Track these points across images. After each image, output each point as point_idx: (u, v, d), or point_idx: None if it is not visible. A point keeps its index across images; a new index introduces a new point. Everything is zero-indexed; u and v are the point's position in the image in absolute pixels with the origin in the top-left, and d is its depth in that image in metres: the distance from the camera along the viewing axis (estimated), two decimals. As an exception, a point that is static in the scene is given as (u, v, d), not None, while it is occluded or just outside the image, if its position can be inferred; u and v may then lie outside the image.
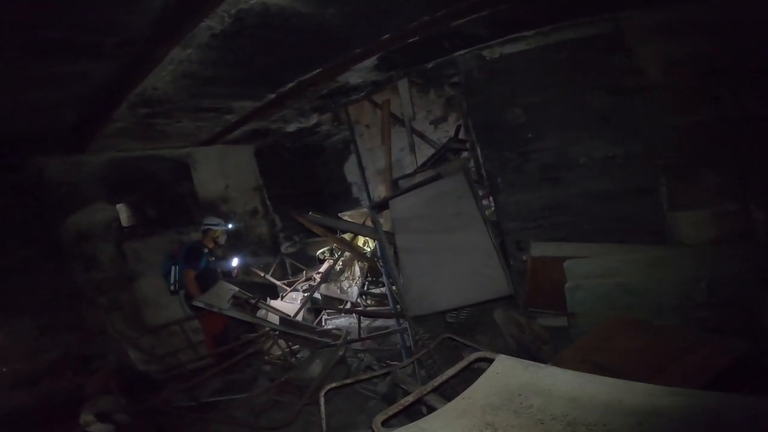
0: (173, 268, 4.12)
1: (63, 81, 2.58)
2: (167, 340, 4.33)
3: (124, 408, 3.42)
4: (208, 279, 4.06)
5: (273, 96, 3.89)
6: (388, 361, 3.36)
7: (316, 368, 3.25)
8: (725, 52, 2.60)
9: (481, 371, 1.69)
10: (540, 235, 3.13)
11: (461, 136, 4.46)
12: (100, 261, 4.31)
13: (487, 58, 3.23)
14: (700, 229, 2.63)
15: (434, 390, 1.73)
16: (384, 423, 1.55)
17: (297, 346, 3.84)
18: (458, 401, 1.54)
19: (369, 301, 4.22)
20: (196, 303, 3.56)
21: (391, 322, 3.76)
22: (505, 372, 1.58)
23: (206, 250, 4.25)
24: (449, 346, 2.94)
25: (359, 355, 3.51)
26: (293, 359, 3.68)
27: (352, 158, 6.07)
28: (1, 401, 4.15)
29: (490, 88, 3.27)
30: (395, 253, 3.63)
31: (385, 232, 3.71)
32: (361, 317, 3.83)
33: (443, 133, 4.91)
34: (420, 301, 3.08)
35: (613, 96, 2.90)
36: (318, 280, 4.46)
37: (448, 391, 2.05)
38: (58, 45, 2.20)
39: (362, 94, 4.13)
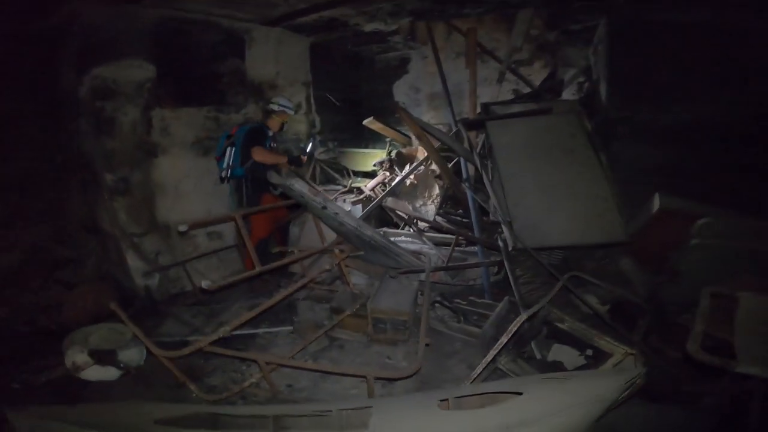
0: (229, 150, 3.57)
1: None
2: (177, 244, 3.81)
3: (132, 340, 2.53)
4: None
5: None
6: (456, 300, 3.11)
7: (393, 299, 2.90)
8: None
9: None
10: (647, 190, 3.17)
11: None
12: (119, 125, 3.52)
13: (649, 18, 3.08)
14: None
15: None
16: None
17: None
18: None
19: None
20: (283, 182, 3.00)
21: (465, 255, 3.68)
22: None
23: (271, 134, 3.77)
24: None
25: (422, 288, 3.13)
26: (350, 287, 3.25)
27: (405, 78, 5.73)
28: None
29: (641, 44, 3.17)
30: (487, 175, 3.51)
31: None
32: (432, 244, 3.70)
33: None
34: (531, 232, 3.03)
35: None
36: (370, 191, 4.20)
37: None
38: None
39: (479, 10, 3.79)
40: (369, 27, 4.36)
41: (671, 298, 2.69)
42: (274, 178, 3.13)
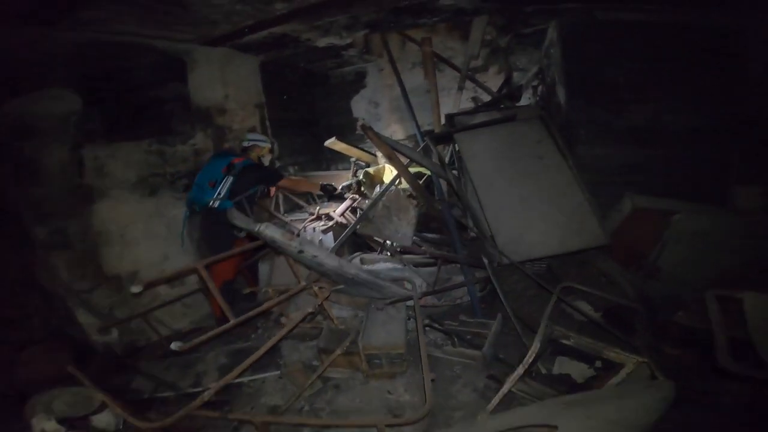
0: (225, 179, 3.42)
1: None
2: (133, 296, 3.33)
3: (104, 404, 2.23)
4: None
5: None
6: (447, 322, 3.04)
7: (383, 331, 2.70)
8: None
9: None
10: (613, 190, 3.27)
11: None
12: (44, 168, 3.13)
13: (599, 18, 3.18)
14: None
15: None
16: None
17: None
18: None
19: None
20: (251, 228, 2.68)
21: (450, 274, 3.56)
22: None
23: None
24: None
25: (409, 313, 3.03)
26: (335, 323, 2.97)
27: (363, 93, 5.57)
28: None
29: (594, 45, 3.26)
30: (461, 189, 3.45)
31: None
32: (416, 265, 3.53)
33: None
34: (515, 246, 2.98)
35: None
36: (340, 217, 3.99)
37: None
38: None
39: (435, 19, 3.73)
40: (323, 42, 4.17)
41: (655, 294, 2.76)
42: (237, 220, 2.83)
